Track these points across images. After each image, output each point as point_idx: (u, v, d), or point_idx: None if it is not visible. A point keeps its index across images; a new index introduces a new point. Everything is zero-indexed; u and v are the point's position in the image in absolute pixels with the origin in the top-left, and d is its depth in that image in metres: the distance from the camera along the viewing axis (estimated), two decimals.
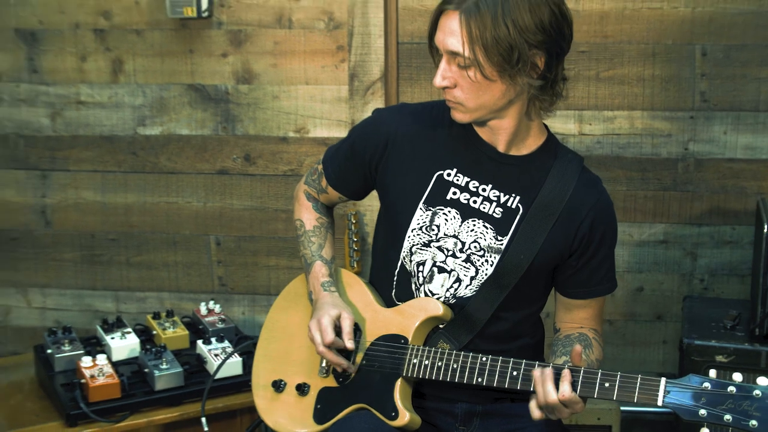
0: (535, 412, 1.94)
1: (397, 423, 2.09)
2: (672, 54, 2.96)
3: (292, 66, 3.11)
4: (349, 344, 2.12)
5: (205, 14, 3.06)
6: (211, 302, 2.96)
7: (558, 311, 2.25)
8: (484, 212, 2.10)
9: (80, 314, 3.33)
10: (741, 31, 2.92)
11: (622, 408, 2.93)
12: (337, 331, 2.13)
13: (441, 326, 2.15)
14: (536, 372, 1.95)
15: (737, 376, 1.84)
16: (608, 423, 2.87)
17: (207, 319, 2.90)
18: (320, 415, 2.18)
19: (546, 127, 2.17)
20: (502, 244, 2.09)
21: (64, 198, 3.27)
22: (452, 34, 1.94)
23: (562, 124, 3.03)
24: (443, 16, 1.96)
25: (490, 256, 2.10)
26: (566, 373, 1.92)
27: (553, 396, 1.90)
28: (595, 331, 2.22)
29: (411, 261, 2.14)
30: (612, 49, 2.98)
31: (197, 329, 2.91)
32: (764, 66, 2.93)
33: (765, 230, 2.56)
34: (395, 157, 2.15)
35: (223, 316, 2.92)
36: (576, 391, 1.92)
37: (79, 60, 3.18)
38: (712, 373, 1.87)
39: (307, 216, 2.35)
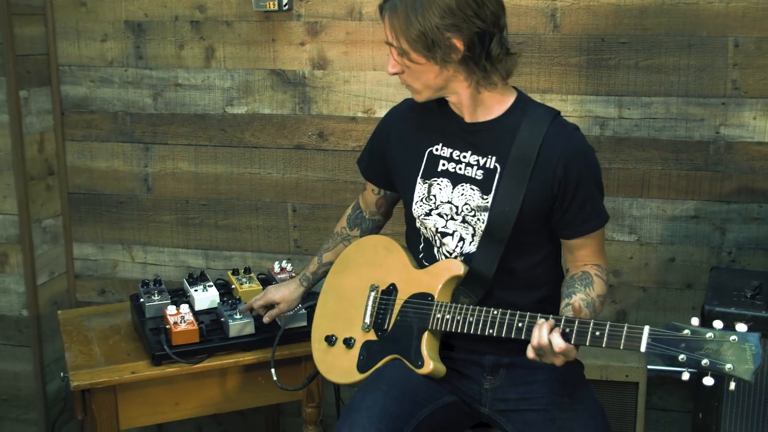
0: (530, 352, 1.96)
1: (423, 371, 2.11)
2: (706, 45, 2.86)
3: (361, 54, 3.10)
4: (266, 320, 2.61)
5: (286, 7, 3.07)
6: (284, 261, 2.99)
7: (563, 253, 2.23)
8: (468, 176, 2.14)
9: (175, 269, 3.40)
10: None
11: (649, 366, 2.87)
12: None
13: (461, 284, 2.15)
14: (539, 319, 1.97)
15: (717, 323, 1.79)
16: (636, 380, 2.82)
17: (279, 276, 2.93)
18: (362, 364, 2.22)
19: (517, 89, 2.17)
20: (488, 202, 2.11)
21: (163, 168, 3.34)
22: (386, 28, 2.07)
23: (603, 108, 2.96)
24: (385, 14, 2.08)
25: (481, 215, 2.11)
26: (558, 327, 1.94)
27: (545, 341, 1.91)
28: (598, 266, 2.19)
29: (427, 228, 2.18)
30: (651, 41, 2.89)
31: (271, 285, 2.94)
32: None
33: None
34: (395, 144, 2.27)
35: (293, 274, 2.94)
36: (570, 341, 1.90)
37: (177, 48, 3.23)
38: (694, 321, 1.82)
39: (340, 221, 2.58)
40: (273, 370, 2.50)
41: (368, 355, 2.20)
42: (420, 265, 2.23)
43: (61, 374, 2.67)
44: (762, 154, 2.89)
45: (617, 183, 2.98)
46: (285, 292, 2.60)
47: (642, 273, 3.05)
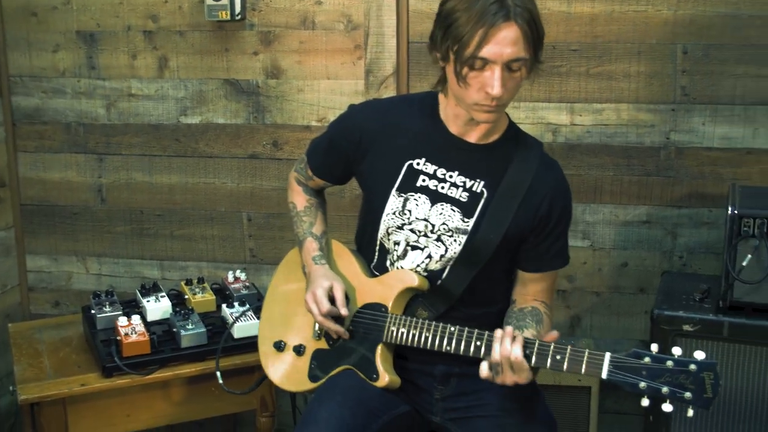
0: (483, 371, 1.90)
1: (378, 384, 2.08)
2: (655, 52, 2.87)
3: (314, 63, 3.08)
4: (344, 311, 2.10)
5: (239, 17, 3.04)
6: (238, 271, 2.96)
7: (514, 284, 2.20)
8: (451, 197, 2.07)
9: (130, 280, 3.35)
10: (719, 32, 2.82)
11: None
12: (331, 300, 2.12)
13: (420, 295, 2.12)
14: (497, 332, 1.90)
15: (676, 350, 1.80)
16: (588, 384, 2.81)
17: (233, 285, 2.90)
18: (314, 374, 2.18)
19: (506, 114, 2.12)
20: (468, 226, 2.06)
21: (117, 178, 3.29)
22: (513, 44, 1.85)
23: (555, 115, 2.96)
24: (495, 30, 1.83)
25: (458, 237, 2.06)
26: (519, 339, 1.88)
27: (507, 351, 1.86)
28: (546, 304, 2.18)
29: (389, 240, 2.12)
30: (601, 48, 2.90)
31: (224, 295, 2.91)
32: (740, 63, 2.83)
33: (729, 212, 2.47)
34: (369, 148, 2.12)
35: (247, 283, 2.92)
36: (531, 362, 1.88)
37: (130, 58, 3.19)
38: (654, 347, 1.82)
39: (299, 198, 2.34)
40: (218, 373, 2.46)
41: (319, 365, 2.17)
42: (371, 274, 2.19)
43: (10, 388, 2.62)
44: (711, 159, 2.90)
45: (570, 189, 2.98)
46: (330, 274, 2.17)
47: (595, 278, 3.05)
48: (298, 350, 2.22)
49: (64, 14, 3.20)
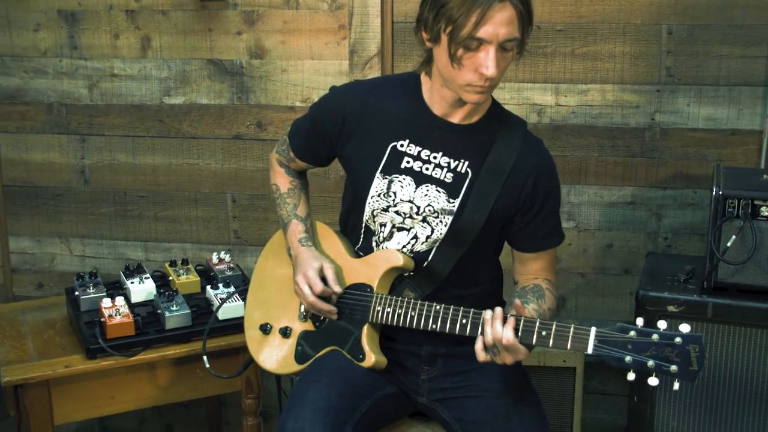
0: (480, 354, 1.89)
1: (364, 364, 2.07)
2: (640, 33, 2.86)
3: (298, 43, 3.05)
4: (337, 288, 2.09)
5: None
6: (223, 252, 2.95)
7: (514, 264, 2.21)
8: (435, 178, 2.06)
9: (114, 261, 3.33)
10: (704, 12, 2.81)
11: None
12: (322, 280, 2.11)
13: (406, 276, 2.11)
14: (486, 313, 1.90)
15: (662, 324, 1.79)
16: (573, 365, 2.82)
17: (218, 267, 2.88)
18: (300, 355, 2.17)
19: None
20: (454, 206, 2.05)
21: (100, 159, 3.26)
22: (509, 23, 1.84)
23: (541, 95, 2.95)
24: (491, 11, 1.82)
25: (444, 218, 2.05)
26: (510, 320, 1.88)
27: (499, 334, 1.84)
28: (549, 281, 2.17)
29: (374, 222, 2.11)
30: (586, 28, 2.89)
31: (209, 276, 2.90)
32: (725, 44, 2.82)
33: (714, 193, 2.47)
34: (352, 131, 2.10)
35: (232, 265, 2.90)
36: (517, 339, 1.87)
37: (112, 37, 3.15)
38: (639, 321, 1.82)
39: (281, 180, 2.32)
40: (205, 357, 2.45)
41: (306, 346, 2.16)
42: (356, 255, 2.18)
43: None
44: (696, 140, 2.90)
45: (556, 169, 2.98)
46: (318, 254, 2.17)
47: (580, 259, 3.05)
48: (285, 332, 2.21)
49: None
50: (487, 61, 1.86)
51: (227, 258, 2.93)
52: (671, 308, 2.53)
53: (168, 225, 3.27)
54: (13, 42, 3.20)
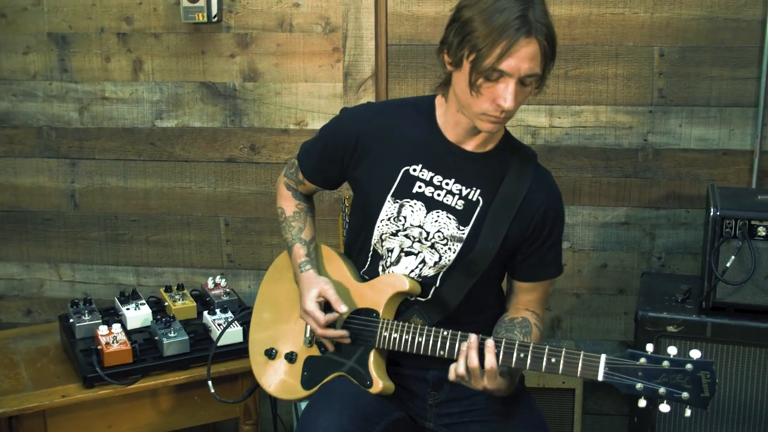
0: (451, 373, 1.91)
1: (372, 390, 2.05)
2: (633, 55, 2.87)
3: (292, 65, 3.03)
4: (342, 309, 2.05)
5: (215, 19, 2.99)
6: (218, 276, 2.91)
7: (507, 293, 2.19)
8: (447, 204, 2.04)
9: (105, 287, 3.28)
10: (694, 35, 2.83)
11: None
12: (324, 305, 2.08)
13: (413, 300, 2.09)
14: (463, 344, 1.91)
15: (672, 350, 1.78)
16: (572, 386, 2.81)
17: (213, 292, 2.84)
18: (307, 381, 2.14)
19: None
20: (463, 234, 2.03)
21: (91, 183, 3.21)
22: (532, 59, 1.82)
23: (535, 117, 2.95)
24: (517, 45, 1.79)
25: (453, 244, 2.04)
26: (490, 348, 1.88)
27: (474, 364, 1.87)
28: (537, 315, 2.16)
29: (382, 246, 2.08)
30: (579, 50, 2.90)
31: (205, 301, 2.85)
32: (715, 66, 2.84)
33: (711, 213, 2.48)
34: (364, 153, 2.08)
35: (228, 290, 2.86)
36: (526, 366, 1.86)
37: (104, 60, 3.12)
38: (649, 347, 1.80)
39: (287, 204, 2.29)
40: (210, 383, 2.41)
41: (312, 372, 2.12)
42: (361, 279, 2.15)
43: None
44: (688, 160, 2.91)
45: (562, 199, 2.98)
46: (314, 279, 2.13)
47: (575, 280, 3.05)
48: (290, 357, 2.17)
49: (35, 15, 3.11)
50: (506, 93, 1.84)
51: (223, 282, 2.89)
52: (670, 328, 2.53)
53: (160, 249, 3.22)
54: (2, 65, 3.16)
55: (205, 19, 2.96)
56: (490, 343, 1.88)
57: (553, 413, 2.83)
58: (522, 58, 1.81)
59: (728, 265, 2.45)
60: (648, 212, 2.97)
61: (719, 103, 2.87)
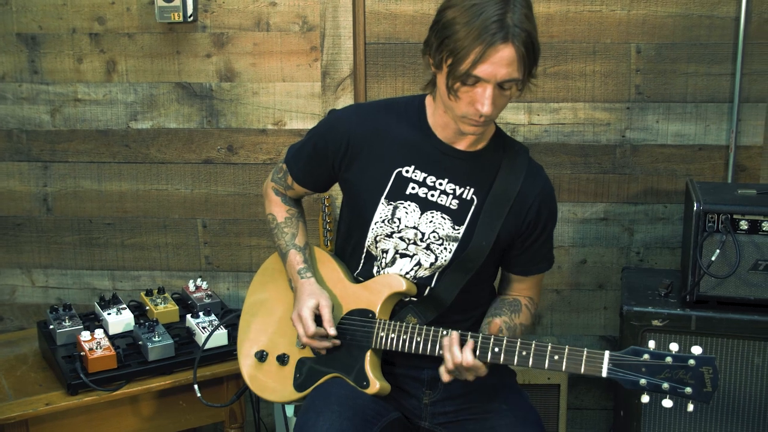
0: (444, 376, 1.91)
1: (369, 391, 2.02)
2: (610, 52, 2.89)
3: (269, 65, 2.99)
4: (331, 331, 2.03)
5: (191, 19, 2.94)
6: (199, 279, 2.86)
7: (500, 283, 2.20)
8: (441, 204, 2.03)
9: (79, 292, 3.20)
10: (671, 32, 2.85)
11: None
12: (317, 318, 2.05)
13: (407, 300, 2.07)
14: (445, 339, 1.92)
15: (674, 346, 1.79)
16: (557, 382, 2.81)
17: (195, 294, 2.80)
18: (300, 383, 2.11)
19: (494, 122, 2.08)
20: (459, 233, 2.02)
21: (64, 187, 3.14)
22: (509, 65, 1.79)
23: (513, 114, 2.95)
24: (491, 50, 1.76)
25: (449, 244, 2.02)
26: (469, 343, 1.89)
27: (458, 359, 1.88)
28: (530, 299, 2.18)
29: (376, 248, 2.06)
30: (557, 48, 2.90)
31: (186, 304, 2.81)
32: (691, 62, 2.87)
33: (694, 208, 2.50)
34: (356, 155, 2.05)
35: (209, 292, 2.82)
36: (528, 364, 1.86)
37: (75, 61, 3.05)
38: (651, 344, 1.81)
39: (278, 210, 2.25)
40: (197, 387, 2.37)
41: (305, 374, 2.09)
42: (355, 280, 2.12)
43: None
44: (665, 156, 2.94)
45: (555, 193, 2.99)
46: (316, 290, 2.09)
47: (555, 276, 3.05)
48: (282, 360, 2.14)
49: (3, 15, 3.03)
50: (483, 98, 1.82)
51: (204, 285, 2.84)
52: (656, 322, 2.54)
53: (136, 252, 3.16)
54: None
55: (181, 19, 2.91)
56: (446, 342, 1.91)
57: (538, 409, 2.81)
58: (498, 63, 1.78)
59: (713, 258, 2.47)
60: (626, 208, 2.99)
61: (695, 99, 2.89)
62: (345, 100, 2.94)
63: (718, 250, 2.47)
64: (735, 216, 2.48)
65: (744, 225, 2.48)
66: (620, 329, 2.62)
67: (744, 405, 2.54)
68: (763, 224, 2.46)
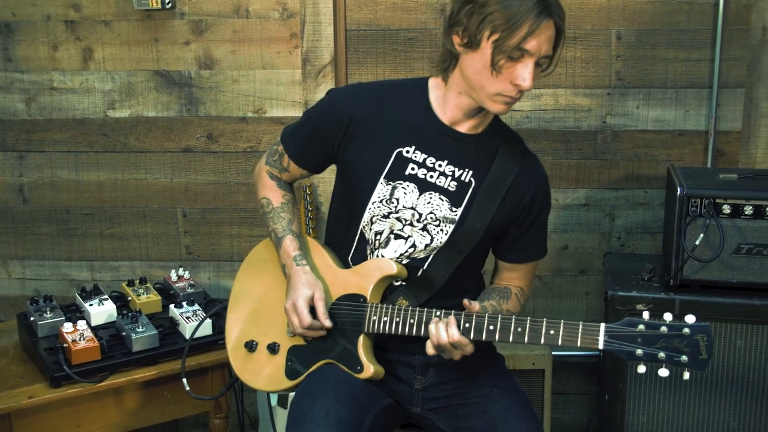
0: (429, 349, 1.93)
1: (363, 375, 2.01)
2: (591, 38, 2.89)
3: (249, 52, 2.96)
4: (327, 323, 2.01)
5: (169, 5, 2.89)
6: (181, 269, 2.82)
7: (494, 273, 2.21)
8: (440, 186, 2.02)
9: (58, 283, 3.15)
10: (650, 17, 2.86)
11: (554, 353, 2.88)
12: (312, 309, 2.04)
13: (397, 284, 2.06)
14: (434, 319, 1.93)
15: (668, 316, 1.80)
16: (542, 367, 2.82)
17: (177, 284, 2.76)
18: (291, 371, 2.09)
19: None
20: (456, 215, 2.02)
21: (41, 177, 3.08)
22: (549, 41, 1.88)
23: None
24: (541, 25, 1.83)
25: (445, 226, 2.02)
26: (452, 320, 1.90)
27: (444, 339, 1.89)
28: (521, 288, 2.18)
29: (370, 230, 2.05)
30: None
31: (168, 294, 2.77)
32: (671, 48, 2.88)
33: (677, 193, 2.51)
34: (356, 134, 2.04)
35: (192, 282, 2.78)
36: (524, 340, 1.86)
37: (51, 49, 2.98)
38: (646, 315, 1.82)
39: (273, 194, 2.22)
40: (185, 380, 2.35)
41: (297, 361, 2.07)
42: (344, 265, 2.11)
43: None
44: (645, 141, 2.95)
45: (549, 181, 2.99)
46: (311, 280, 2.08)
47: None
48: (272, 348, 2.12)
49: None
50: (525, 73, 1.86)
51: (186, 275, 2.80)
52: (640, 306, 2.55)
53: (115, 243, 3.11)
54: None
55: (159, 6, 2.86)
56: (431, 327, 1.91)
57: None
58: (543, 38, 1.85)
59: (697, 242, 2.48)
60: (607, 193, 3.00)
61: (675, 84, 2.90)
62: (325, 88, 2.91)
63: (702, 234, 2.48)
64: (718, 200, 2.49)
65: (726, 209, 2.49)
66: (604, 314, 2.63)
67: (727, 387, 2.56)
68: (745, 208, 2.48)
